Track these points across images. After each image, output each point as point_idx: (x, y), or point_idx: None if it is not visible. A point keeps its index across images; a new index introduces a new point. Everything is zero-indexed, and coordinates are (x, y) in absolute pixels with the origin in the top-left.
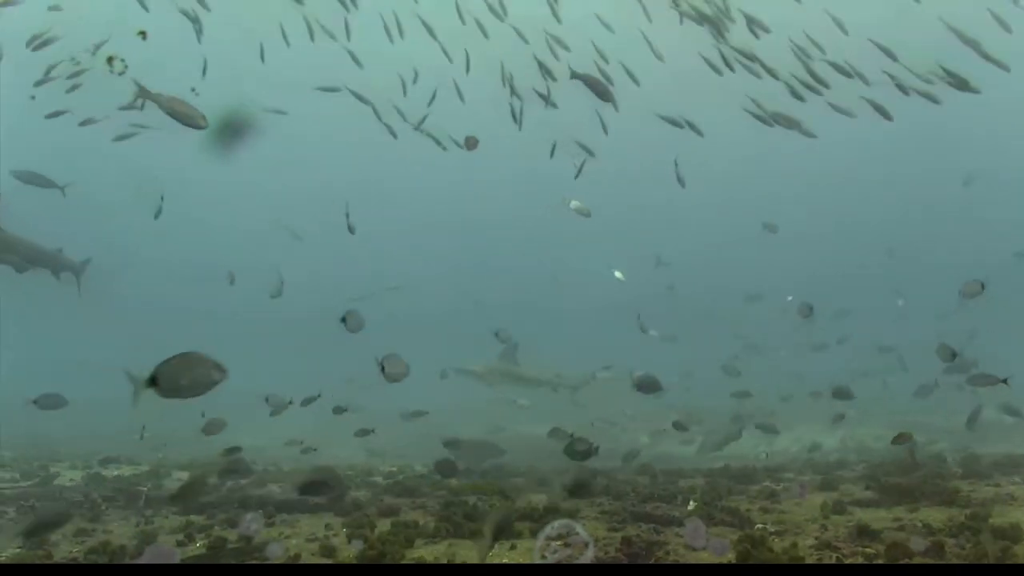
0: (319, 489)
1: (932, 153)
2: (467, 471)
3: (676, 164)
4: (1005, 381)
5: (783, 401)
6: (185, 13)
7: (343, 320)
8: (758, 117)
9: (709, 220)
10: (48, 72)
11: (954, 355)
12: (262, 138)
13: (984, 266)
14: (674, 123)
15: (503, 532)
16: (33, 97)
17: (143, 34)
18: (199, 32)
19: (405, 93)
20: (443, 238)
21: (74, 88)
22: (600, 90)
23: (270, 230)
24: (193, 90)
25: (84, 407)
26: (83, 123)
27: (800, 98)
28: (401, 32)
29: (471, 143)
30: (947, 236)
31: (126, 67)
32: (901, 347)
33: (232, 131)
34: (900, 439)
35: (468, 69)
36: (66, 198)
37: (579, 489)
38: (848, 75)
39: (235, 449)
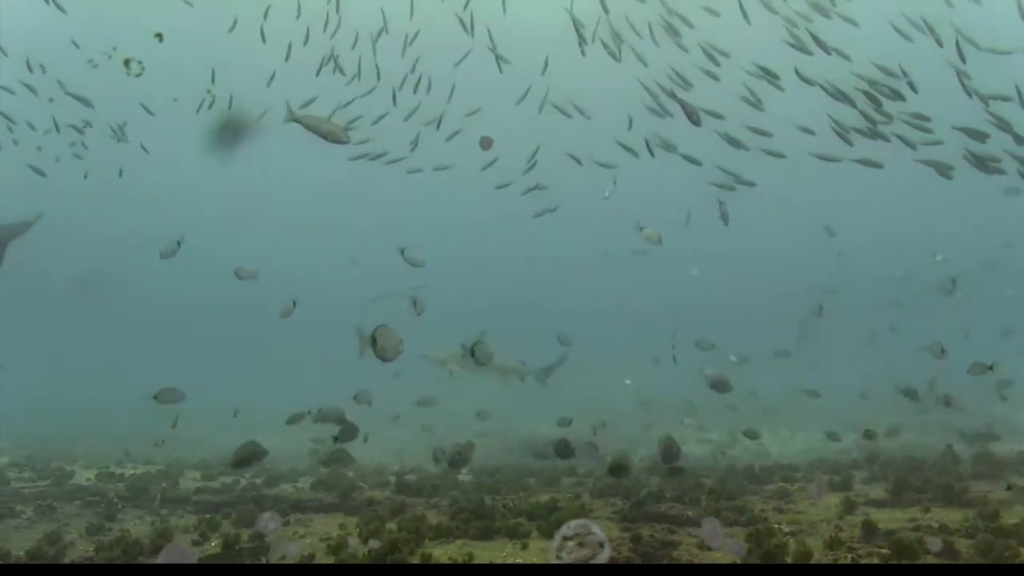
0: (250, 460)
1: None
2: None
3: (720, 203)
4: (991, 367)
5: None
6: None
7: (471, 351)
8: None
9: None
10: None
11: (943, 352)
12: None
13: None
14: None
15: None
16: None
17: (159, 36)
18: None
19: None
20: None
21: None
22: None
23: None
24: (209, 91)
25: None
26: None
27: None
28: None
29: (486, 143)
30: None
31: (143, 69)
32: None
33: (232, 132)
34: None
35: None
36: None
37: (619, 470)
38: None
39: (352, 428)
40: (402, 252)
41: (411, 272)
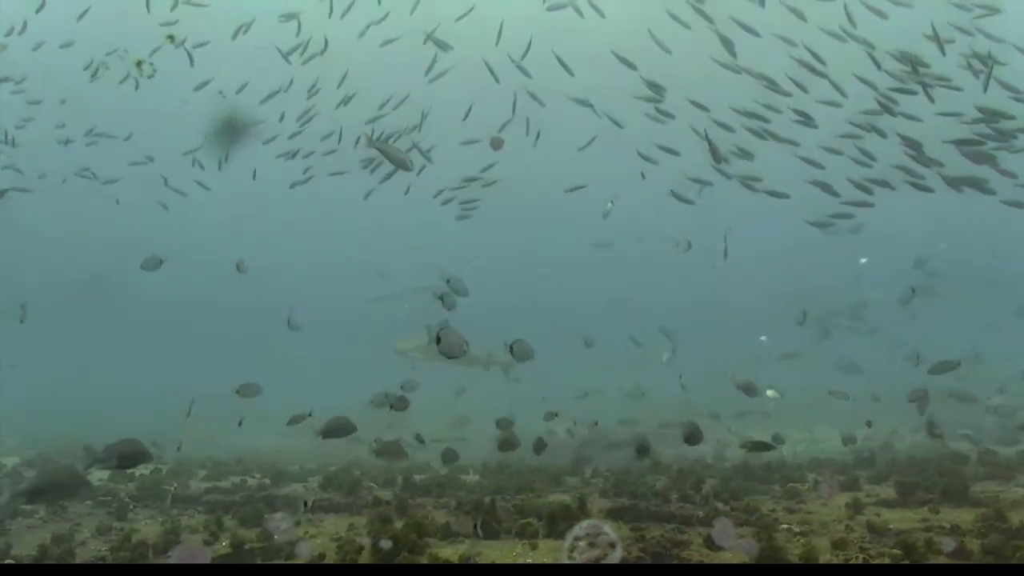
0: (132, 459)
1: None
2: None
3: (725, 239)
4: (958, 364)
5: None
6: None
7: (511, 349)
8: None
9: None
10: None
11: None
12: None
13: None
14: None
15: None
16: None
17: (171, 38)
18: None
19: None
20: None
21: None
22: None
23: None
24: (220, 93)
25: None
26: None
27: None
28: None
29: (496, 144)
30: None
31: (155, 71)
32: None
33: (229, 135)
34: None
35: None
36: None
37: (643, 451)
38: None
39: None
40: (447, 282)
41: (411, 275)
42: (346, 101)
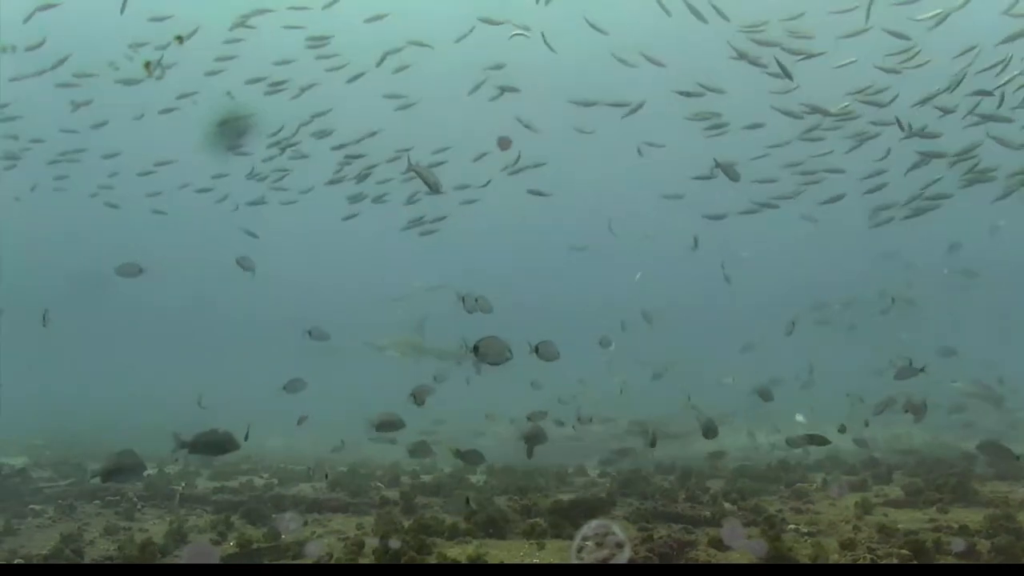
0: (122, 474)
1: None
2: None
3: (723, 267)
4: (923, 370)
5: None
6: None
7: (535, 350)
8: None
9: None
10: None
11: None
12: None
13: None
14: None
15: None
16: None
17: (180, 39)
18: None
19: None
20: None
21: None
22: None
23: None
24: (228, 93)
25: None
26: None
27: None
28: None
29: (504, 143)
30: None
31: (164, 72)
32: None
33: (231, 131)
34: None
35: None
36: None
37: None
38: None
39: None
40: (475, 300)
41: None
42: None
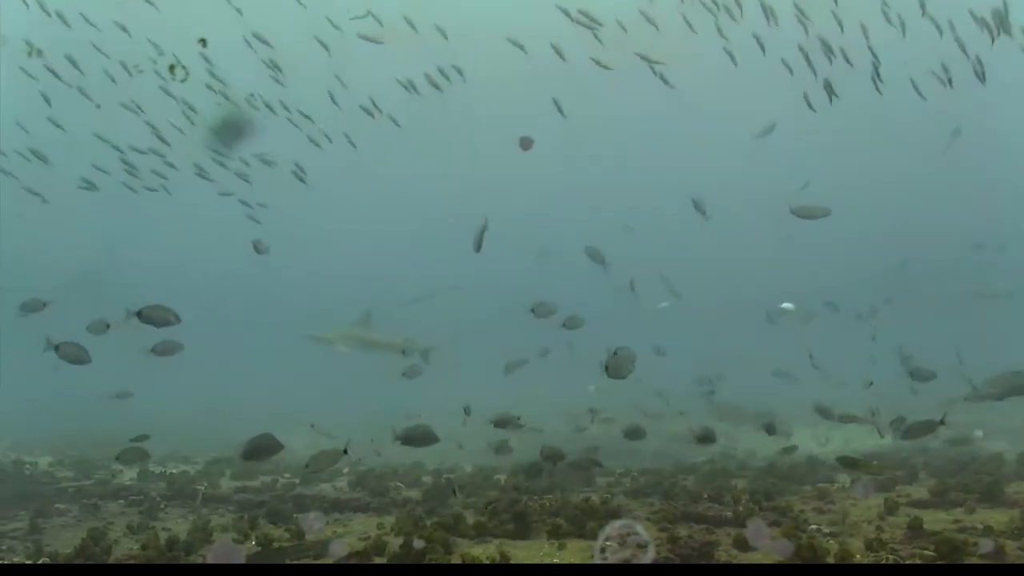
0: (261, 453)
1: None
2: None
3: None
4: (871, 384)
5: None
6: None
7: (606, 368)
8: None
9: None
10: None
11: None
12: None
13: None
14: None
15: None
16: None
17: (203, 41)
18: None
19: None
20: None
21: None
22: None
23: None
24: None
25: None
26: None
27: None
28: None
29: (526, 143)
30: None
31: (187, 75)
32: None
33: (232, 130)
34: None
35: None
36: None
37: (706, 439)
38: None
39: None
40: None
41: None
42: None
